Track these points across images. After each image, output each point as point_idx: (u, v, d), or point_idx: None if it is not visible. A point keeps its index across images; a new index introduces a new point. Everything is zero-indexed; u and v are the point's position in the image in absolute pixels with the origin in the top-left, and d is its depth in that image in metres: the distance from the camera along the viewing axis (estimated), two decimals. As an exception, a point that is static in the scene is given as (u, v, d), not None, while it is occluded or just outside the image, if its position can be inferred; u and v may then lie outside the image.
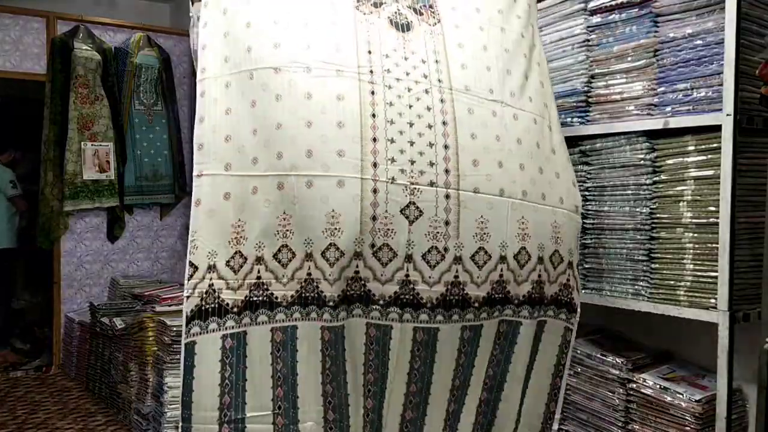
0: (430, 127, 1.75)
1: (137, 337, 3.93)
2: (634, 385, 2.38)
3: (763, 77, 1.91)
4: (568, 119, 2.57)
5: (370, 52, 1.78)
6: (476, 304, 1.76)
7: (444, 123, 1.77)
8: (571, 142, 2.55)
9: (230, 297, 1.74)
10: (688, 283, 2.21)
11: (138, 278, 5.18)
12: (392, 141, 1.72)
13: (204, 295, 1.73)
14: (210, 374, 1.74)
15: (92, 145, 4.99)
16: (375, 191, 1.69)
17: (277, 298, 1.74)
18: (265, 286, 1.73)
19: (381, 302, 1.71)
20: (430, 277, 1.72)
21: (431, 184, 1.72)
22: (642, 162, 2.33)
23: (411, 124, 1.74)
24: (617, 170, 2.41)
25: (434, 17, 1.88)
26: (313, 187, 1.69)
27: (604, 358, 2.48)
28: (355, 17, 1.80)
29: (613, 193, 2.43)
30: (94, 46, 4.98)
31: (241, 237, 1.73)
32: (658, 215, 2.30)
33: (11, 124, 5.84)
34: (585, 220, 2.51)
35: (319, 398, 1.77)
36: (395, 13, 1.85)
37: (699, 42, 2.18)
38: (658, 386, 2.32)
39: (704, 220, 2.17)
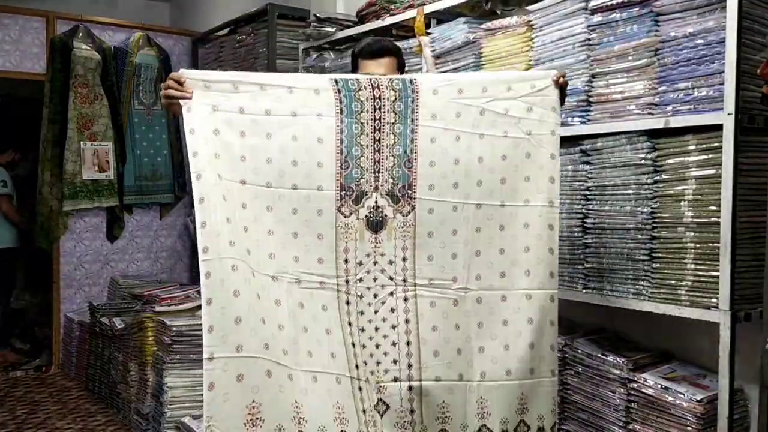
0: (393, 327, 1.98)
1: (137, 337, 3.93)
2: (635, 385, 2.37)
3: (765, 76, 1.91)
4: (569, 119, 2.56)
5: (346, 261, 1.97)
6: None
7: (407, 321, 1.99)
8: (572, 141, 2.55)
9: None
10: (690, 283, 2.21)
11: (137, 278, 5.18)
12: (364, 346, 1.96)
13: None
14: None
15: (92, 144, 4.98)
16: (360, 389, 1.95)
17: None
18: None
19: None
20: None
21: (395, 379, 1.97)
22: (643, 161, 2.32)
23: (377, 329, 1.98)
24: (618, 169, 2.40)
25: (409, 204, 2.00)
26: (318, 382, 1.91)
27: (605, 357, 2.48)
28: (336, 223, 1.96)
29: (614, 192, 2.42)
30: (93, 46, 4.98)
31: (257, 419, 1.82)
32: (659, 215, 2.29)
33: (11, 124, 5.83)
34: (586, 220, 2.51)
35: None
36: (373, 208, 1.99)
37: (700, 41, 2.17)
38: (659, 386, 2.31)
39: (705, 220, 2.17)
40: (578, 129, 2.53)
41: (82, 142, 4.93)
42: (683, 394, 2.25)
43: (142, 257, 5.44)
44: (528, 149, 2.08)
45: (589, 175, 2.50)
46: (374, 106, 1.99)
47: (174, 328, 3.55)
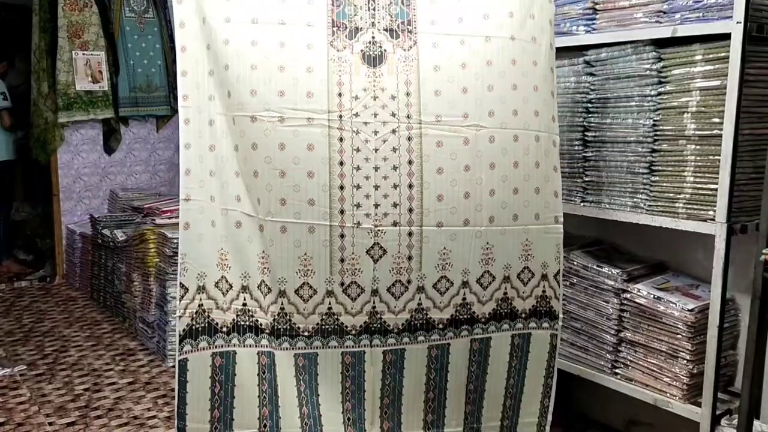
0: (395, 168, 1.86)
1: (139, 249, 3.98)
2: (628, 295, 2.42)
3: (778, -18, 1.84)
4: (574, 27, 2.49)
5: (340, 95, 1.84)
6: (440, 326, 1.96)
7: (410, 162, 1.87)
8: (576, 51, 2.50)
9: (219, 317, 1.88)
10: (688, 196, 2.21)
11: (137, 191, 5.19)
12: (358, 187, 1.85)
13: (194, 315, 1.87)
14: (201, 389, 1.90)
15: (83, 54, 4.86)
16: (342, 236, 1.86)
17: (261, 324, 1.91)
18: (251, 313, 1.90)
19: (353, 332, 1.92)
20: (395, 307, 1.92)
21: (394, 224, 1.87)
22: (648, 72, 2.28)
23: (377, 168, 1.85)
24: (622, 81, 2.36)
25: (411, 39, 1.89)
26: (286, 232, 1.85)
27: (599, 269, 2.51)
28: (329, 56, 1.85)
29: (616, 105, 2.39)
30: (80, -51, 4.77)
31: (225, 264, 1.88)
32: (661, 127, 2.27)
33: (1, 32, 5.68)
34: (586, 133, 2.49)
35: (297, 420, 1.95)
36: (369, 42, 1.87)
37: (713, -56, 2.09)
38: (651, 296, 2.36)
39: (708, 132, 2.15)
40: (583, 38, 2.46)
41: (73, 52, 4.82)
42: (675, 304, 2.30)
43: (140, 170, 5.43)
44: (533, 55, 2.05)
45: (592, 87, 2.46)
46: (368, 6, 1.93)
47: (175, 240, 3.59)
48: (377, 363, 1.96)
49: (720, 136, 2.09)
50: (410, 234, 1.89)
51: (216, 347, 1.89)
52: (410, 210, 1.88)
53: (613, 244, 2.76)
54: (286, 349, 1.90)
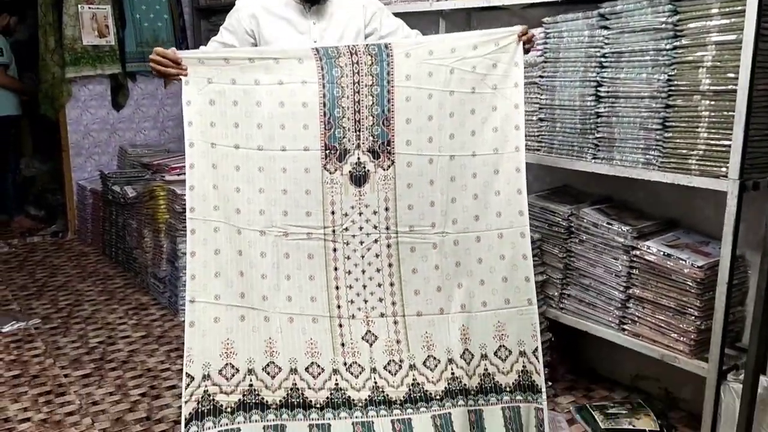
0: (378, 270, 2.24)
1: (149, 205, 4.00)
2: (638, 252, 2.43)
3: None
4: (588, -21, 2.44)
5: (333, 213, 2.20)
6: (438, 397, 2.22)
7: (390, 265, 2.24)
8: (590, 3, 2.45)
9: (224, 399, 2.11)
10: (701, 152, 2.20)
11: (146, 147, 5.19)
12: (350, 287, 2.23)
13: (200, 400, 2.09)
14: None
15: (89, 7, 4.81)
16: (341, 326, 2.21)
17: (267, 401, 2.15)
18: (257, 392, 2.14)
19: (360, 405, 2.18)
20: (393, 382, 2.22)
21: (382, 315, 2.24)
22: (663, 26, 2.23)
23: (363, 271, 2.23)
24: (637, 35, 2.32)
25: (389, 159, 2.21)
26: (293, 322, 2.18)
27: (609, 226, 2.52)
28: (323, 179, 2.19)
29: (630, 59, 2.35)
30: None
31: (230, 352, 2.13)
32: (675, 82, 2.24)
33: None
34: (599, 88, 2.46)
35: None
36: (355, 164, 2.19)
37: None
38: (661, 253, 2.37)
39: (722, 87, 2.12)
40: (597, -9, 2.41)
41: (79, 6, 4.76)
42: (684, 261, 2.31)
43: (149, 126, 5.42)
44: (494, 102, 2.23)
45: (606, 41, 2.42)
46: (353, 71, 2.18)
47: (184, 197, 3.59)
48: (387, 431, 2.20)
49: (735, 91, 2.06)
50: (396, 322, 2.24)
51: (221, 425, 2.08)
52: (393, 303, 2.24)
53: (623, 200, 2.76)
54: (301, 420, 2.15)
